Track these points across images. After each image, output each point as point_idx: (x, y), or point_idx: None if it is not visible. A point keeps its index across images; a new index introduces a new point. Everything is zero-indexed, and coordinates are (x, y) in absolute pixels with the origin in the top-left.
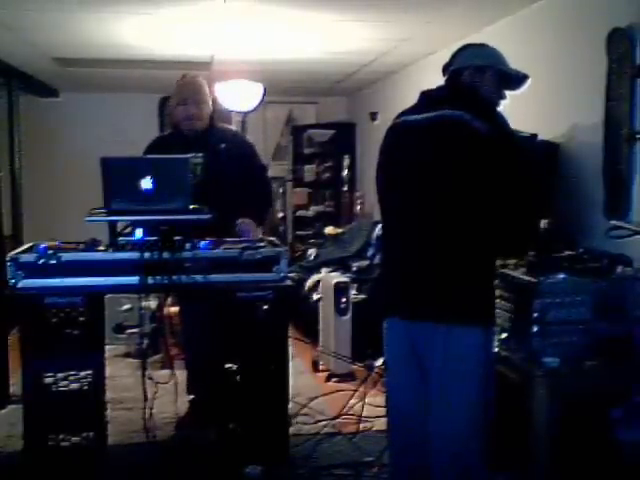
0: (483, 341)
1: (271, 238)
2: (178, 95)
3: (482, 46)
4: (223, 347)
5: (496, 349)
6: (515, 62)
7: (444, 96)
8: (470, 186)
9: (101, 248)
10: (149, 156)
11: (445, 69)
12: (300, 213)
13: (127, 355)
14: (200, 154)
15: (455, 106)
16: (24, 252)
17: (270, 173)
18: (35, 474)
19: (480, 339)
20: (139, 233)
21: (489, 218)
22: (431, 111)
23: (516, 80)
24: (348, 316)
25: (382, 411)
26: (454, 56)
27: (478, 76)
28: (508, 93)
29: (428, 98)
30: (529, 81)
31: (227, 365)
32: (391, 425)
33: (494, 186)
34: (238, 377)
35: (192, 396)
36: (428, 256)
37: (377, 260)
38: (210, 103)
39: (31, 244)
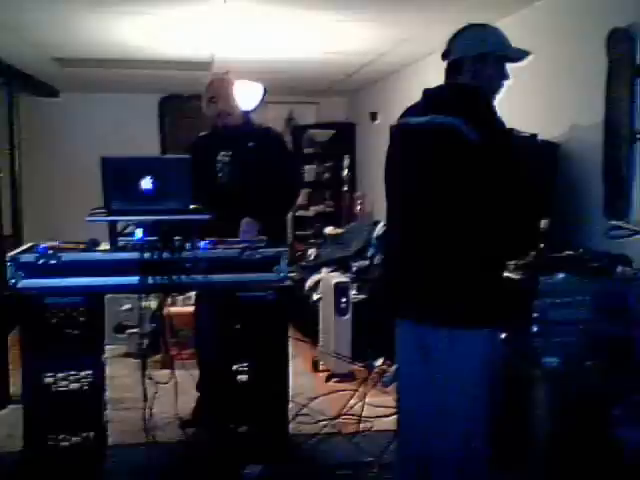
0: (488, 342)
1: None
2: (207, 93)
3: (481, 28)
4: (224, 347)
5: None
6: None
7: (443, 98)
8: (463, 193)
9: (101, 248)
10: (149, 156)
11: (444, 55)
12: (300, 213)
13: (127, 355)
14: (229, 152)
15: (452, 111)
16: (24, 252)
17: None
18: (35, 474)
19: (485, 340)
20: (139, 233)
21: (483, 223)
22: (429, 114)
23: (517, 58)
24: (348, 316)
25: (382, 411)
26: (453, 40)
27: (479, 66)
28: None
29: (428, 99)
30: (531, 57)
31: (229, 366)
32: (401, 426)
33: (486, 193)
34: (238, 377)
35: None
36: (428, 259)
37: (377, 260)
38: (238, 101)
39: (31, 244)
